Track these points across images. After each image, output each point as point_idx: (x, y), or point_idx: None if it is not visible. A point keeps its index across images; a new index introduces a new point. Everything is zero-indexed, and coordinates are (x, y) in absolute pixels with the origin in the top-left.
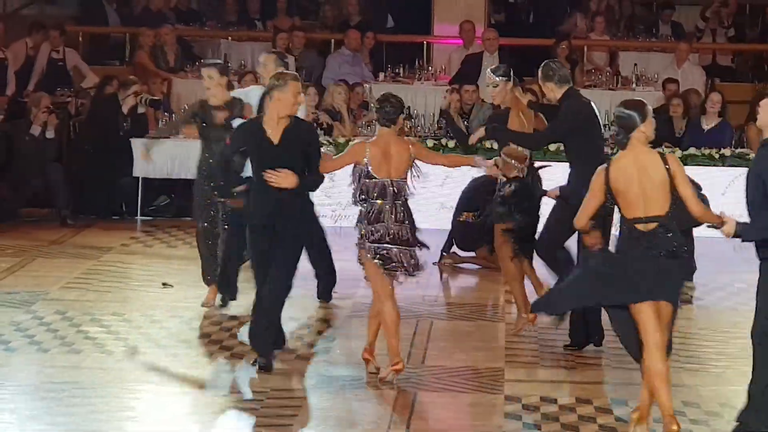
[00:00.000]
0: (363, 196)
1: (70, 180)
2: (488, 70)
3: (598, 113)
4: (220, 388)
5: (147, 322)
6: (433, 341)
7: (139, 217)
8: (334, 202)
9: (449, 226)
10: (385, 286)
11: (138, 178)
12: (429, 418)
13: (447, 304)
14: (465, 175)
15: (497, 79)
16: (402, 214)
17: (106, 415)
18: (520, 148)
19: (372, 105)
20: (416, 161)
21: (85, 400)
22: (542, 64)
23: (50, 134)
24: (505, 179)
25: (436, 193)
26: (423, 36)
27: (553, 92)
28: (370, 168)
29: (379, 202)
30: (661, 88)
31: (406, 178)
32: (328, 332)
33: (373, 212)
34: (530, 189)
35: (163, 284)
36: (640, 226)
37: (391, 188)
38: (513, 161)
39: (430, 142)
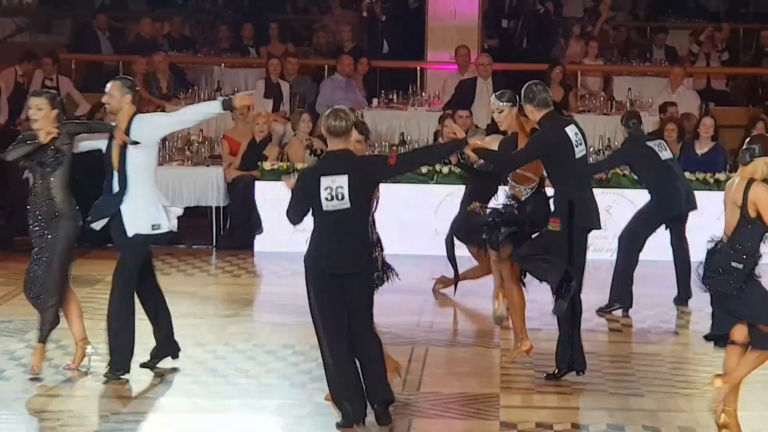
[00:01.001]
0: None
1: None
2: (493, 96)
3: (575, 137)
4: (215, 414)
5: (141, 350)
6: (429, 367)
7: None
8: None
9: (444, 252)
10: None
11: None
12: None
13: (442, 331)
14: (458, 202)
15: (502, 104)
16: None
17: None
18: (525, 173)
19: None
20: None
21: (79, 428)
22: (525, 86)
23: None
24: (514, 202)
25: (431, 220)
26: (416, 62)
27: (533, 114)
28: None
29: None
30: (656, 112)
31: None
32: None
33: None
34: (529, 213)
35: None
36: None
37: None
38: (519, 186)
39: (424, 168)
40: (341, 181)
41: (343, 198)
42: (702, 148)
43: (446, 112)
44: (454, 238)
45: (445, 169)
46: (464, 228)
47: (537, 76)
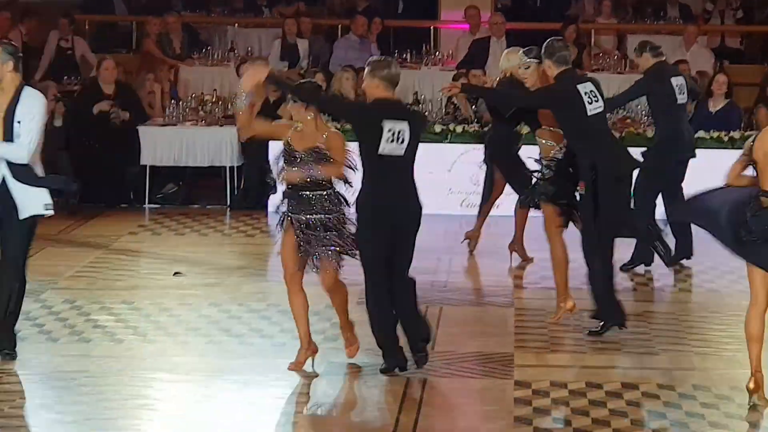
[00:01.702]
0: None
1: (77, 169)
2: (520, 51)
3: (587, 95)
4: (229, 374)
5: (157, 310)
6: (443, 327)
7: (147, 206)
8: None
9: (458, 212)
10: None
11: (145, 166)
12: (439, 404)
13: (456, 290)
14: (472, 160)
15: (528, 60)
16: None
17: (116, 403)
18: (552, 129)
19: None
20: None
21: (95, 388)
22: (547, 41)
23: (58, 123)
24: (545, 162)
25: (444, 179)
26: (430, 21)
27: (550, 69)
28: None
29: None
30: None
31: None
32: (337, 319)
33: None
34: (568, 168)
35: (175, 273)
36: (764, 200)
37: None
38: (548, 142)
39: (438, 127)
40: (403, 126)
41: (403, 142)
42: (716, 105)
43: (460, 71)
44: None
45: (459, 128)
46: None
47: (550, 35)
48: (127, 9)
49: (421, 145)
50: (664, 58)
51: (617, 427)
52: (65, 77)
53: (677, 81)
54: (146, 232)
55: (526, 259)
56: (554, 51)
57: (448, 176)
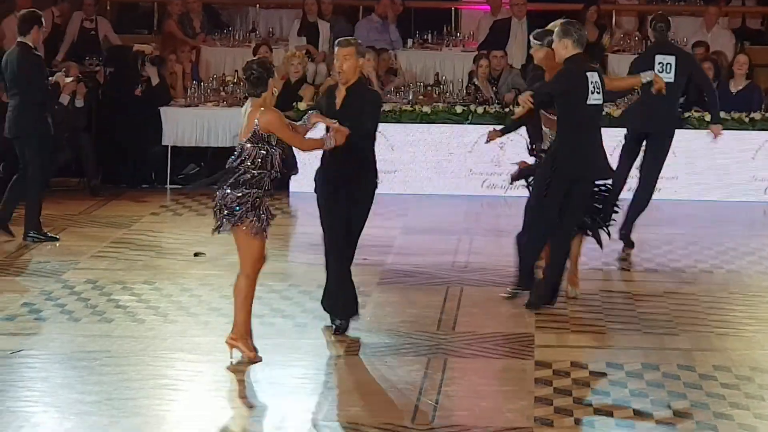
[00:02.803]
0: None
1: (99, 149)
2: (532, 34)
3: (593, 84)
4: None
5: (177, 291)
6: (464, 307)
7: (168, 186)
8: None
9: (479, 192)
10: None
11: (167, 146)
12: (460, 384)
13: (477, 270)
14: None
15: (536, 43)
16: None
17: (137, 383)
18: (552, 117)
19: (399, 72)
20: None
21: (116, 368)
22: (565, 21)
23: (79, 103)
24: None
25: (465, 159)
26: (451, 2)
27: (566, 50)
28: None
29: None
30: (690, 52)
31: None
32: (358, 299)
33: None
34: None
35: (196, 254)
36: None
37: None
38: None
39: (459, 108)
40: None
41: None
42: (737, 86)
43: (481, 52)
44: None
45: (480, 109)
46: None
47: (572, 15)
48: None
49: (442, 126)
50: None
51: (638, 407)
52: (87, 57)
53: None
54: (168, 213)
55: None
56: (576, 32)
57: (468, 157)
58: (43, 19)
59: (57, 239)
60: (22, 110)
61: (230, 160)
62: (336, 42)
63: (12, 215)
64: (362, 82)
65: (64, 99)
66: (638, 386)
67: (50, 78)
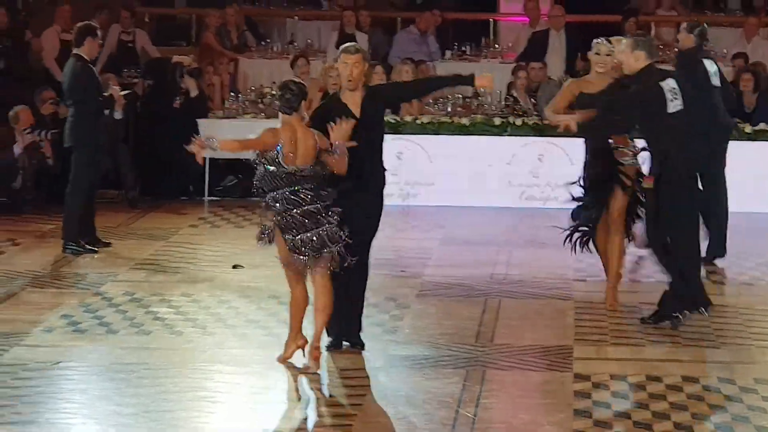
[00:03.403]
0: (269, 186)
1: (138, 161)
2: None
3: (670, 92)
4: (289, 367)
5: (215, 303)
6: (502, 320)
7: (206, 198)
8: (402, 180)
9: (517, 204)
10: (291, 275)
11: (205, 158)
12: (499, 396)
13: (515, 282)
14: (531, 153)
15: (610, 48)
16: (308, 199)
17: (175, 395)
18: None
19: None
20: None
21: (154, 380)
22: (638, 33)
23: (118, 115)
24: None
25: (503, 171)
26: (489, 14)
27: (638, 62)
28: (280, 156)
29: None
30: (730, 63)
31: (312, 166)
32: (396, 311)
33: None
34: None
35: (234, 266)
36: None
37: (296, 176)
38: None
39: (497, 120)
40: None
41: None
42: None
43: (519, 63)
44: None
45: (518, 121)
46: None
47: (610, 27)
48: (186, 1)
49: (480, 138)
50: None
51: (678, 420)
52: (125, 69)
53: None
54: (206, 225)
55: None
56: (649, 44)
57: (507, 169)
58: (98, 31)
59: (96, 251)
60: (77, 120)
61: (295, 189)
62: (342, 49)
63: (94, 228)
64: (368, 86)
65: (118, 114)
66: (678, 399)
67: (105, 92)
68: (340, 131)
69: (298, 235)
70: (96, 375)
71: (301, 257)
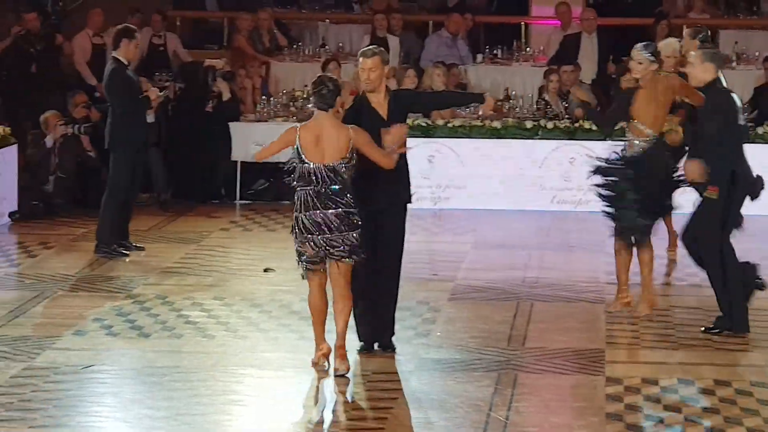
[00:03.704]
0: (300, 182)
1: (169, 164)
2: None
3: (738, 104)
4: (320, 370)
5: (247, 306)
6: (534, 323)
7: (238, 201)
8: (433, 183)
9: (549, 208)
10: (310, 280)
11: (237, 161)
12: (531, 400)
13: (547, 286)
14: (563, 156)
15: (646, 56)
16: (331, 200)
17: (207, 398)
18: (641, 126)
19: (468, 87)
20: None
21: (186, 384)
22: (709, 46)
23: (150, 119)
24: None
25: (535, 175)
26: (521, 17)
27: (707, 74)
28: (302, 153)
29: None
30: (762, 66)
31: (343, 162)
32: (428, 315)
33: (301, 200)
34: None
35: (266, 269)
36: None
37: (321, 173)
38: (645, 128)
39: (528, 123)
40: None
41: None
42: None
43: (551, 67)
44: None
45: (550, 124)
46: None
47: (642, 30)
48: (218, 5)
49: (511, 141)
50: None
51: (710, 424)
52: (156, 73)
53: None
54: (237, 228)
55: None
56: (718, 56)
57: (538, 172)
58: (136, 33)
59: (127, 254)
60: (115, 122)
61: (321, 182)
62: (361, 52)
63: (128, 232)
64: (391, 90)
65: (150, 117)
66: (711, 402)
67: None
68: (397, 135)
69: (319, 236)
70: (128, 378)
71: (316, 258)
